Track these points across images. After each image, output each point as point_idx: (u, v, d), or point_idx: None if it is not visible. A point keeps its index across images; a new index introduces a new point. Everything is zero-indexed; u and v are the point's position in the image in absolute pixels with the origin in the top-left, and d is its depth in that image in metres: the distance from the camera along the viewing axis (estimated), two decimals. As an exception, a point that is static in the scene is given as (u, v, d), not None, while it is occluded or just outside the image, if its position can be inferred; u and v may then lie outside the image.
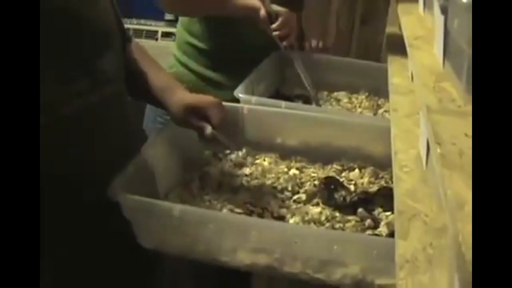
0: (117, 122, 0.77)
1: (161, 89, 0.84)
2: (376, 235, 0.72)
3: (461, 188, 0.37)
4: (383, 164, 0.91)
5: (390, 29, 1.45)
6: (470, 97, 0.51)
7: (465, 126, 0.47)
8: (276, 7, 1.16)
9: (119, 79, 0.77)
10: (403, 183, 0.65)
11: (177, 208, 0.70)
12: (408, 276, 0.50)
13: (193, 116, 0.82)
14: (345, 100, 1.22)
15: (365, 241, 0.70)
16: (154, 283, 0.85)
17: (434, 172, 0.63)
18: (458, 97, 0.53)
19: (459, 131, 0.46)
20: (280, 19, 1.14)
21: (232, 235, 0.70)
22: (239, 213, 0.77)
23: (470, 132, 0.46)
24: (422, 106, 0.55)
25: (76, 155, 0.71)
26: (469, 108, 0.51)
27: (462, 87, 0.51)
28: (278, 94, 1.22)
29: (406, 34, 0.81)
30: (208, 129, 0.81)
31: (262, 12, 1.12)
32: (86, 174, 0.71)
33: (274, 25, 1.14)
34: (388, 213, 0.76)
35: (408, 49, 0.76)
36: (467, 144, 0.44)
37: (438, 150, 0.42)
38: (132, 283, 0.80)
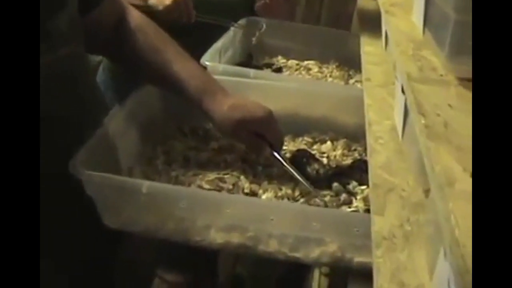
0: (72, 82, 0.72)
1: (200, 90, 0.77)
2: (354, 211, 0.69)
3: (449, 162, 0.34)
4: (355, 136, 0.88)
5: (361, -3, 1.41)
6: (452, 66, 0.48)
7: (448, 96, 0.45)
8: None
9: (76, 39, 0.72)
10: (378, 156, 0.63)
11: (146, 184, 0.66)
12: (385, 254, 0.48)
13: (243, 130, 0.76)
14: (316, 69, 1.19)
15: (345, 217, 0.66)
16: (117, 262, 0.81)
17: (410, 143, 0.60)
18: (440, 66, 0.50)
19: (442, 101, 0.43)
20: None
21: (205, 213, 0.66)
22: (209, 190, 0.73)
23: (453, 103, 0.44)
24: (402, 74, 0.51)
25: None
26: (451, 77, 0.48)
27: (443, 56, 0.48)
28: (248, 62, 1.18)
29: (381, 0, 0.78)
30: (268, 151, 0.77)
31: None
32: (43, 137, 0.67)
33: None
34: (363, 187, 0.74)
35: (383, 16, 0.73)
36: (451, 115, 0.41)
37: (423, 121, 0.39)
38: (97, 264, 0.76)
